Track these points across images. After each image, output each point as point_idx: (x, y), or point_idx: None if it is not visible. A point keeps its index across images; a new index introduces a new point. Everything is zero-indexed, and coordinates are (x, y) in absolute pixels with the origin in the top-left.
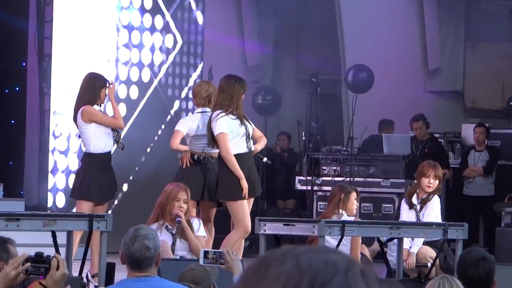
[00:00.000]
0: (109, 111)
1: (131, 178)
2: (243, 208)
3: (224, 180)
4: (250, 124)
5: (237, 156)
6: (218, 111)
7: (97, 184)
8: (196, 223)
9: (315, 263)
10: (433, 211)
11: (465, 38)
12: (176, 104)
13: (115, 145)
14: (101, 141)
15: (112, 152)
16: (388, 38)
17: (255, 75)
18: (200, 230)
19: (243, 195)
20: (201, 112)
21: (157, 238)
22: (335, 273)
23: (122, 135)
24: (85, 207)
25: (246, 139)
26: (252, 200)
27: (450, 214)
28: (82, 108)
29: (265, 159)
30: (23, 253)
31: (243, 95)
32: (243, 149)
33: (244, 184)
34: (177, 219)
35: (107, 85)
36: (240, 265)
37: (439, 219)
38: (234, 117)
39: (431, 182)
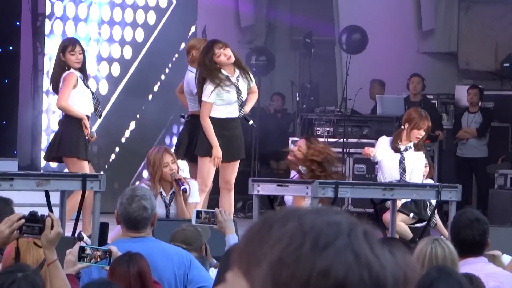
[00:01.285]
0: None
1: (122, 141)
2: (209, 168)
3: (204, 137)
4: (250, 83)
5: (219, 119)
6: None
7: (83, 141)
8: (192, 186)
9: (318, 224)
10: (420, 164)
11: (458, 0)
12: (169, 64)
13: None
14: (83, 105)
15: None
16: None
17: (248, 35)
18: (193, 195)
19: (211, 160)
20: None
21: (153, 198)
22: (338, 234)
23: (115, 95)
24: (79, 165)
25: (238, 106)
26: (237, 162)
27: (443, 175)
28: (67, 74)
29: (251, 121)
30: (17, 212)
31: (219, 52)
32: (233, 114)
33: (216, 153)
34: (183, 187)
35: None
36: (232, 225)
37: (421, 174)
38: (228, 84)
39: (421, 134)
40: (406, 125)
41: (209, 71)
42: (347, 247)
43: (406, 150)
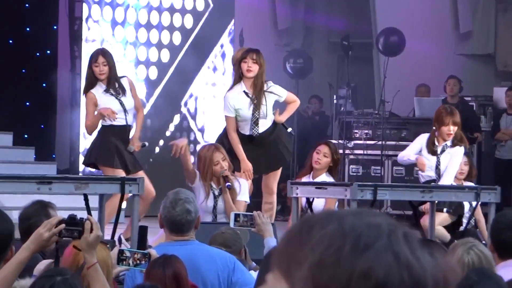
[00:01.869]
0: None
1: (161, 143)
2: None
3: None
4: (280, 97)
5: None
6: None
7: (118, 152)
8: (243, 185)
9: (358, 226)
10: (456, 158)
11: (496, 1)
12: (204, 67)
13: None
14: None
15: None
16: (419, 1)
17: (286, 38)
18: (243, 194)
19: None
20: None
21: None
22: (378, 235)
23: (154, 98)
24: (110, 171)
25: (252, 124)
26: (278, 171)
27: (482, 177)
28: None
29: (289, 129)
30: (55, 216)
31: (245, 61)
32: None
33: (244, 167)
34: (227, 184)
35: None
36: (271, 228)
37: (456, 169)
38: (246, 98)
39: (450, 129)
40: (436, 125)
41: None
42: (387, 249)
43: (443, 151)
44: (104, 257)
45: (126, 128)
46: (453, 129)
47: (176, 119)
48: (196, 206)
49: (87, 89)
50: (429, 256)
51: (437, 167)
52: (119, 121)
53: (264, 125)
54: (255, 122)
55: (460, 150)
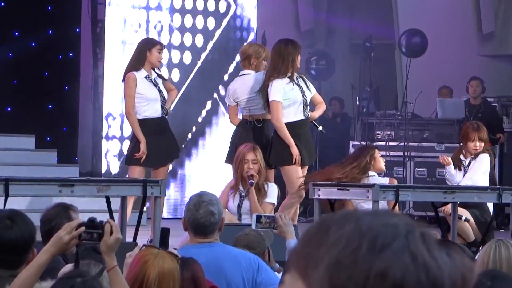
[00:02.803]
0: (165, 74)
1: (183, 146)
2: (297, 173)
3: (277, 145)
4: (310, 90)
5: (290, 124)
6: (274, 76)
7: (147, 149)
8: (271, 188)
9: (375, 226)
10: (482, 165)
11: None
12: (231, 67)
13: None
14: (144, 107)
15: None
16: (441, 2)
17: (308, 40)
18: (270, 197)
19: (294, 161)
20: (240, 75)
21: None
22: (396, 236)
23: (175, 101)
24: (136, 172)
25: (303, 106)
26: (305, 168)
27: (505, 178)
28: (126, 75)
29: (320, 127)
30: (76, 218)
31: (299, 57)
32: (299, 116)
33: (295, 151)
34: (250, 181)
35: (160, 47)
36: (292, 230)
37: (486, 176)
38: (291, 82)
39: (476, 145)
40: (463, 141)
41: (284, 61)
42: (405, 249)
43: (469, 164)
44: (172, 269)
45: (163, 119)
46: (479, 145)
47: (208, 104)
48: (220, 208)
49: (128, 71)
50: (446, 256)
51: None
52: (155, 112)
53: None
54: (305, 104)
55: (484, 156)
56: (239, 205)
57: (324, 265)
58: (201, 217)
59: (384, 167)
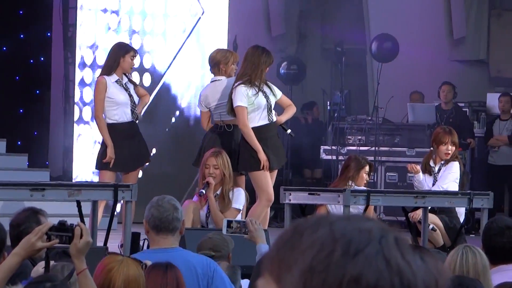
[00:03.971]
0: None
1: (154, 150)
2: (265, 177)
3: (244, 151)
4: (274, 94)
5: (256, 128)
6: (239, 82)
7: (117, 154)
8: (237, 194)
9: (349, 231)
10: (452, 173)
11: (489, 7)
12: (202, 72)
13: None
14: (114, 111)
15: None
16: (412, 7)
17: (280, 44)
18: (236, 202)
19: (261, 167)
20: (211, 81)
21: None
22: (369, 240)
23: (147, 105)
24: (106, 176)
25: (267, 111)
26: (275, 172)
27: (475, 183)
28: (97, 79)
29: (289, 131)
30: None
31: (268, 68)
32: (264, 121)
33: (262, 157)
34: (200, 190)
35: (133, 54)
36: (263, 235)
37: (456, 184)
38: (255, 88)
39: (449, 149)
40: (434, 145)
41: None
42: (378, 254)
43: (439, 169)
44: (137, 276)
45: (133, 123)
46: (451, 148)
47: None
48: (181, 208)
49: (105, 73)
50: (420, 261)
51: (434, 184)
52: (125, 116)
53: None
54: (269, 109)
55: (454, 164)
56: (206, 215)
57: (298, 270)
58: (164, 211)
59: (363, 186)
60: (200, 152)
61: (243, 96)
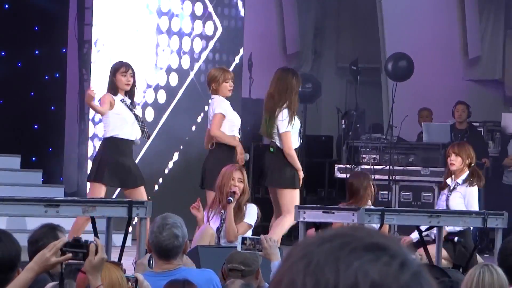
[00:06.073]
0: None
1: (169, 166)
2: (297, 197)
3: (283, 168)
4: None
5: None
6: (285, 109)
7: (114, 168)
8: (249, 209)
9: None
10: (472, 200)
11: (505, 27)
12: None
13: (141, 134)
14: (117, 126)
15: (137, 141)
16: (428, 26)
17: (294, 62)
18: (249, 217)
19: (299, 185)
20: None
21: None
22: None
23: (161, 122)
24: (97, 190)
25: (299, 134)
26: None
27: (489, 203)
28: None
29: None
30: (62, 238)
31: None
32: (296, 144)
33: (301, 175)
34: (228, 198)
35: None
36: (277, 252)
37: (477, 207)
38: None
39: (452, 159)
40: (446, 161)
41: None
42: None
43: (454, 188)
44: (119, 278)
45: (131, 143)
46: (454, 159)
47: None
48: (184, 230)
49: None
50: None
51: (447, 200)
52: (128, 134)
53: None
54: (300, 132)
55: (472, 189)
56: (218, 228)
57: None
58: (164, 240)
59: (369, 205)
60: (203, 175)
61: (288, 121)
